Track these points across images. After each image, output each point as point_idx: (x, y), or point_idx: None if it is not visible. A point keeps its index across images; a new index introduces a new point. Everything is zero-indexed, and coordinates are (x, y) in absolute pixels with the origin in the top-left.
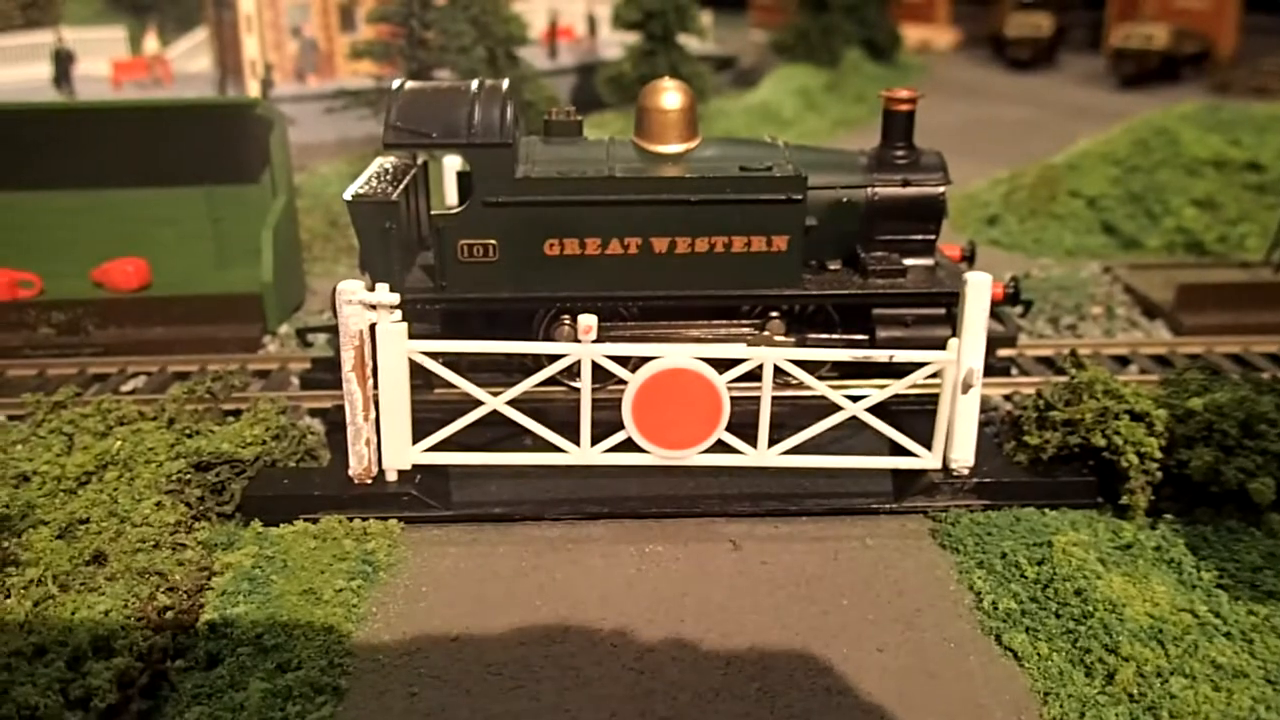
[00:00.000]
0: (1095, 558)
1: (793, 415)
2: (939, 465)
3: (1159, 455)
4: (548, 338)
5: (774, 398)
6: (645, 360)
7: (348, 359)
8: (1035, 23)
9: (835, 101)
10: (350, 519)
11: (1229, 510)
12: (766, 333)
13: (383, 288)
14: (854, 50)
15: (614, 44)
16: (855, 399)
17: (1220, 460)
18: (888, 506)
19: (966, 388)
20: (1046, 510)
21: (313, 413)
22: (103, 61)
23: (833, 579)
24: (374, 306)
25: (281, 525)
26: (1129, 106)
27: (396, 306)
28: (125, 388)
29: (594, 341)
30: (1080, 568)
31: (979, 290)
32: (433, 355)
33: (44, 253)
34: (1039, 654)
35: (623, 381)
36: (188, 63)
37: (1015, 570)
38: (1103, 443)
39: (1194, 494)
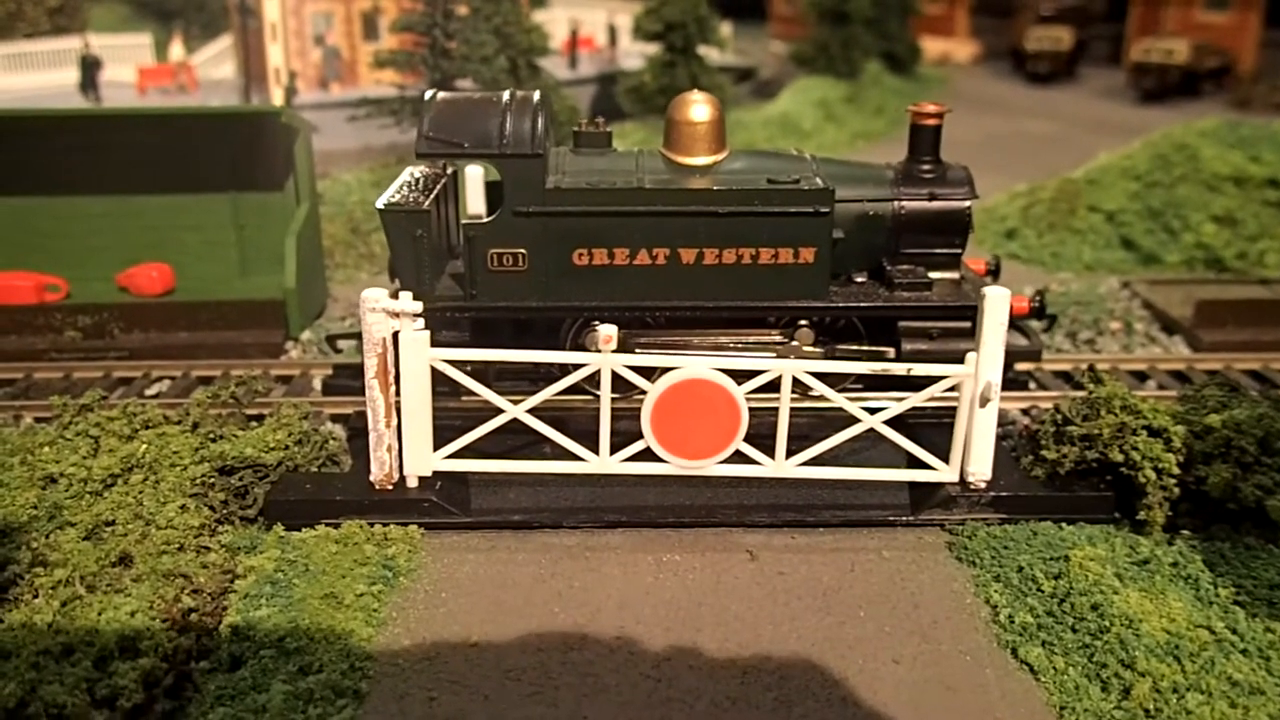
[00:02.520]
0: (1112, 573)
1: (811, 426)
2: (956, 478)
3: (1176, 471)
4: (576, 347)
5: (792, 409)
6: (665, 370)
7: (371, 366)
8: (1055, 36)
9: (855, 114)
10: (371, 524)
11: (1247, 527)
12: (795, 342)
13: (407, 296)
14: (874, 63)
15: (634, 54)
16: (873, 411)
17: (1238, 477)
18: (905, 519)
19: (984, 401)
20: (1063, 525)
21: (334, 418)
22: (128, 68)
23: (849, 590)
24: (398, 314)
25: (303, 529)
26: (1149, 121)
27: (420, 315)
28: (150, 391)
29: (614, 351)
30: (1097, 583)
31: (997, 304)
32: (455, 363)
33: (71, 257)
34: (1055, 668)
35: (644, 391)
36: (212, 69)
37: (1032, 584)
38: (1120, 458)
39: (1211, 510)
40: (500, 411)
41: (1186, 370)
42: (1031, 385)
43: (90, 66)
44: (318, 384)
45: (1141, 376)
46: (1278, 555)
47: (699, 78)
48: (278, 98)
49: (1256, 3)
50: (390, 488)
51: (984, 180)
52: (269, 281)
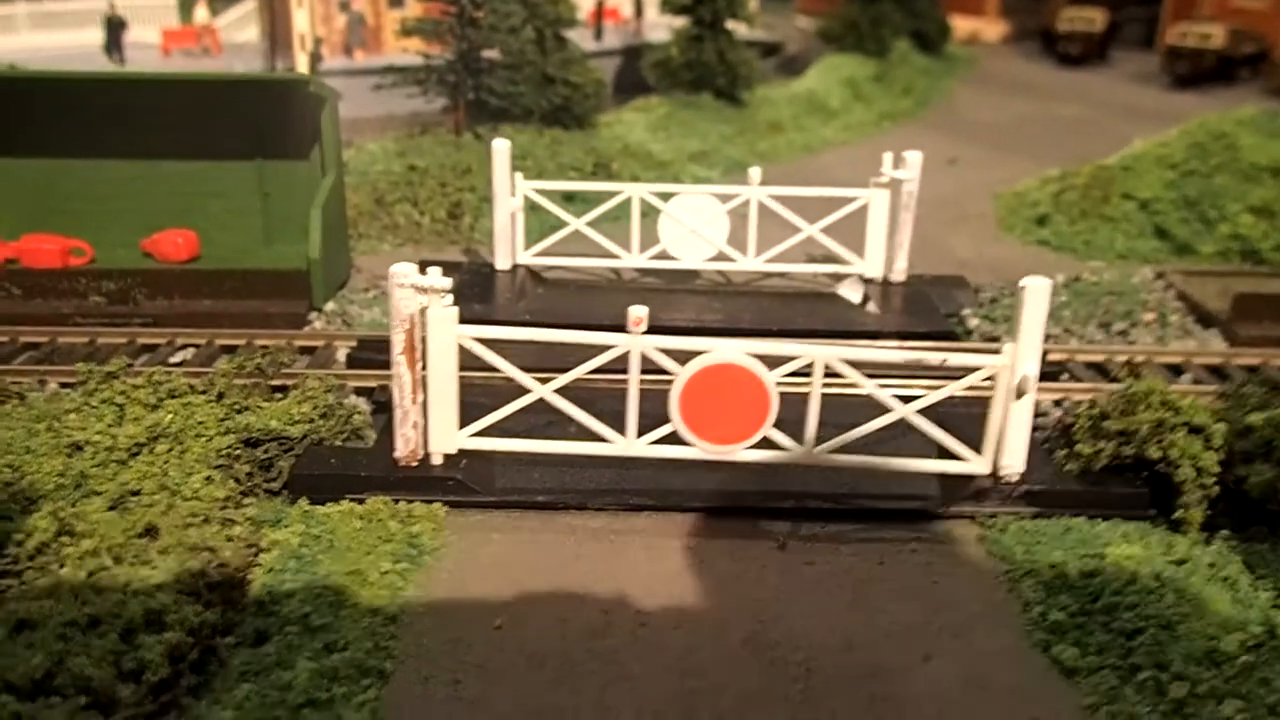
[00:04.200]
0: (1148, 572)
1: (841, 412)
2: (988, 471)
3: (1216, 470)
4: None
5: (823, 395)
6: (695, 354)
7: (398, 342)
8: (1088, 17)
9: (883, 93)
10: (395, 501)
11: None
12: None
13: (435, 271)
14: (902, 41)
15: (660, 26)
16: (906, 400)
17: (1276, 474)
18: (935, 510)
19: (1020, 394)
20: (1098, 521)
21: (358, 391)
22: (152, 29)
23: (879, 583)
24: (426, 290)
25: (328, 504)
26: (1183, 107)
27: (448, 291)
28: (174, 359)
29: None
30: (1132, 582)
31: (1037, 295)
32: (481, 340)
33: (96, 221)
34: (1089, 668)
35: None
36: (235, 32)
37: (1064, 581)
38: (1158, 455)
39: (1250, 510)
40: (527, 391)
41: (1223, 365)
42: (1064, 376)
43: (115, 27)
44: (341, 355)
45: (1176, 370)
46: None
47: (726, 53)
48: (302, 63)
49: None
50: (415, 464)
51: (1015, 164)
52: (293, 250)
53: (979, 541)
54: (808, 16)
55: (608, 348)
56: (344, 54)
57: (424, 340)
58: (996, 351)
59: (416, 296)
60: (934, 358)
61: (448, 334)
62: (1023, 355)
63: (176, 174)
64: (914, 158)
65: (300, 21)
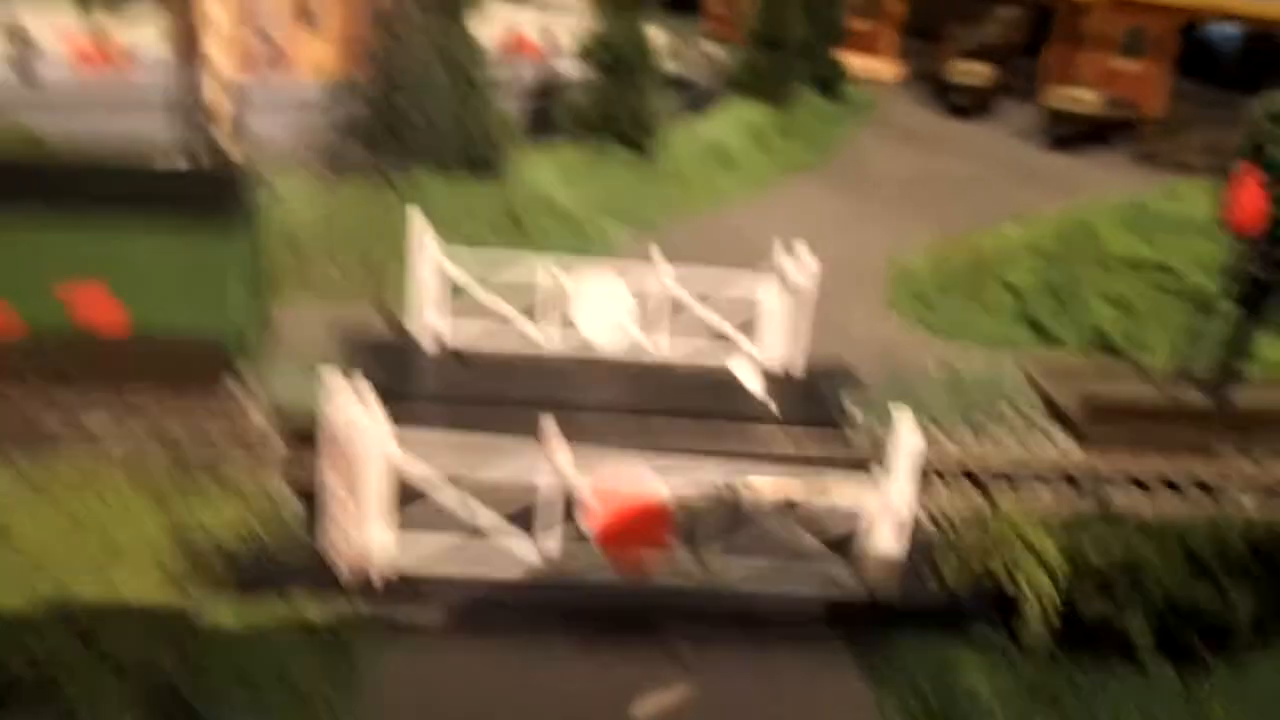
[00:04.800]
0: (989, 691)
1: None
2: (865, 589)
3: (1055, 596)
4: None
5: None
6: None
7: (327, 455)
8: (977, 72)
9: (785, 143)
10: (324, 608)
11: (1114, 651)
12: None
13: (364, 386)
14: (804, 88)
15: (572, 61)
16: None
17: (1108, 606)
18: (816, 628)
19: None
20: (954, 637)
21: (290, 486)
22: (48, 27)
23: (763, 708)
24: (358, 401)
25: (258, 607)
26: (1063, 169)
27: (379, 407)
28: (89, 426)
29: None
30: (974, 702)
31: (908, 434)
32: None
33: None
34: None
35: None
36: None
37: (919, 699)
38: (1005, 578)
39: (1083, 633)
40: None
41: (1070, 470)
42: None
43: (22, 49)
44: (260, 420)
45: (1028, 465)
46: (1138, 681)
47: (636, 106)
48: (212, 85)
49: (1167, 54)
50: (346, 575)
51: (907, 225)
52: (215, 318)
53: (854, 658)
54: (712, 40)
55: (521, 459)
56: (254, 72)
57: (354, 453)
58: (880, 454)
59: (348, 408)
60: (818, 482)
61: (377, 451)
62: (894, 489)
63: (94, 230)
64: (804, 251)
65: (212, 43)
